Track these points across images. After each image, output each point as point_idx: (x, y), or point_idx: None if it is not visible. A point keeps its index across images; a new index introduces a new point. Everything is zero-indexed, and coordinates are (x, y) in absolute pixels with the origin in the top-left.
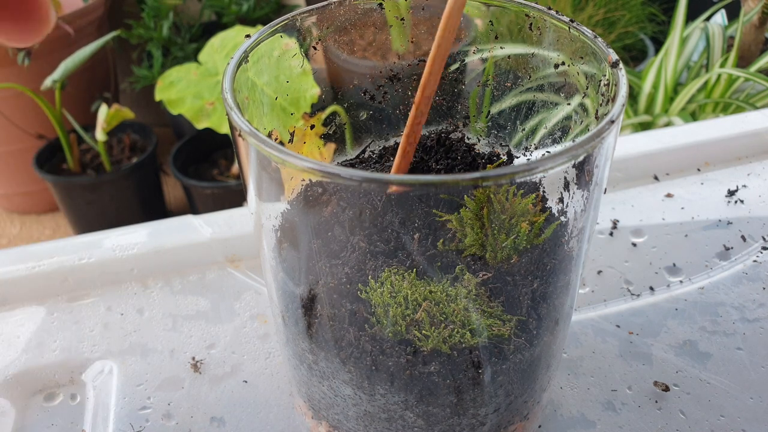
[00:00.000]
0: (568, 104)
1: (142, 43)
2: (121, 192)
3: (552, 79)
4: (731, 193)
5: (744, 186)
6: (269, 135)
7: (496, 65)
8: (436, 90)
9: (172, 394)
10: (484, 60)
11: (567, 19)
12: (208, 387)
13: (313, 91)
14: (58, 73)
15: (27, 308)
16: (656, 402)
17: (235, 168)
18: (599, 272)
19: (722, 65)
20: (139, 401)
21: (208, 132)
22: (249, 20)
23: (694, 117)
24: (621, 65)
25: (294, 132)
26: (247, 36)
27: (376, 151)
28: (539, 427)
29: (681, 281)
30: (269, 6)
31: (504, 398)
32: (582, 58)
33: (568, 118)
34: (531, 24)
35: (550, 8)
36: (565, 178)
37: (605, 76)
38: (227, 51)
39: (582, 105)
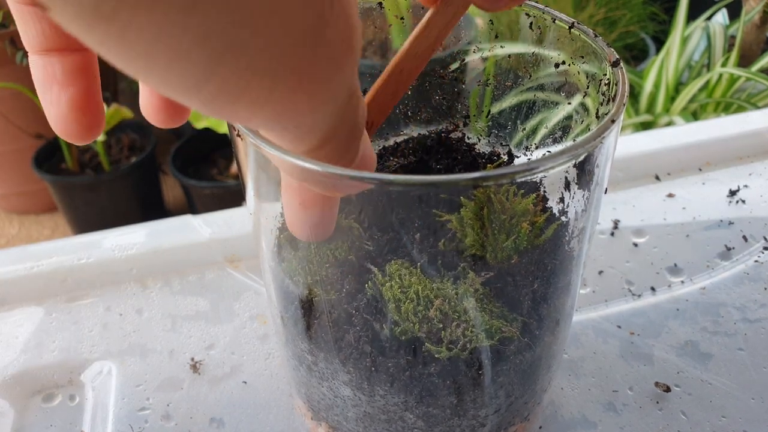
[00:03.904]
0: (569, 104)
1: None
2: (120, 192)
3: (552, 78)
4: (733, 193)
5: (745, 186)
6: None
7: (497, 64)
8: (436, 90)
9: (172, 394)
10: (484, 59)
11: (567, 18)
12: (208, 388)
13: None
14: None
15: (26, 308)
16: (657, 403)
17: (234, 168)
18: (600, 272)
19: (723, 65)
20: (138, 402)
21: (208, 131)
22: None
23: (695, 116)
24: (621, 64)
25: None
26: None
27: (375, 151)
28: (540, 428)
29: (682, 281)
30: None
31: (504, 399)
32: (582, 57)
33: (568, 117)
34: (531, 23)
35: (548, 7)
36: (566, 177)
37: (606, 75)
38: None
39: (583, 104)
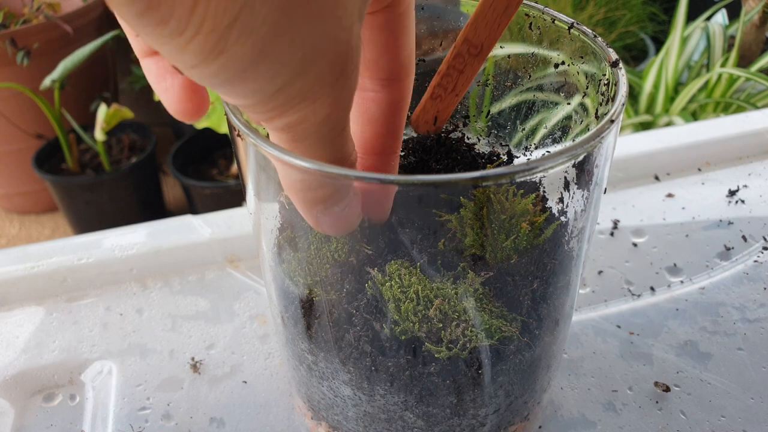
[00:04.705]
0: (568, 104)
1: None
2: (120, 192)
3: (552, 78)
4: (732, 193)
5: (745, 186)
6: (268, 135)
7: (496, 65)
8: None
9: (172, 394)
10: None
11: (567, 19)
12: (208, 387)
13: None
14: (57, 72)
15: (26, 308)
16: (657, 402)
17: (234, 168)
18: (600, 272)
19: (723, 65)
20: (139, 402)
21: (208, 132)
22: None
23: (694, 117)
24: (621, 65)
25: None
26: None
27: None
28: (539, 427)
29: (682, 281)
30: None
31: (504, 399)
32: (582, 57)
33: (568, 117)
34: (531, 23)
35: (548, 7)
36: (565, 177)
37: (605, 75)
38: None
39: (582, 104)
